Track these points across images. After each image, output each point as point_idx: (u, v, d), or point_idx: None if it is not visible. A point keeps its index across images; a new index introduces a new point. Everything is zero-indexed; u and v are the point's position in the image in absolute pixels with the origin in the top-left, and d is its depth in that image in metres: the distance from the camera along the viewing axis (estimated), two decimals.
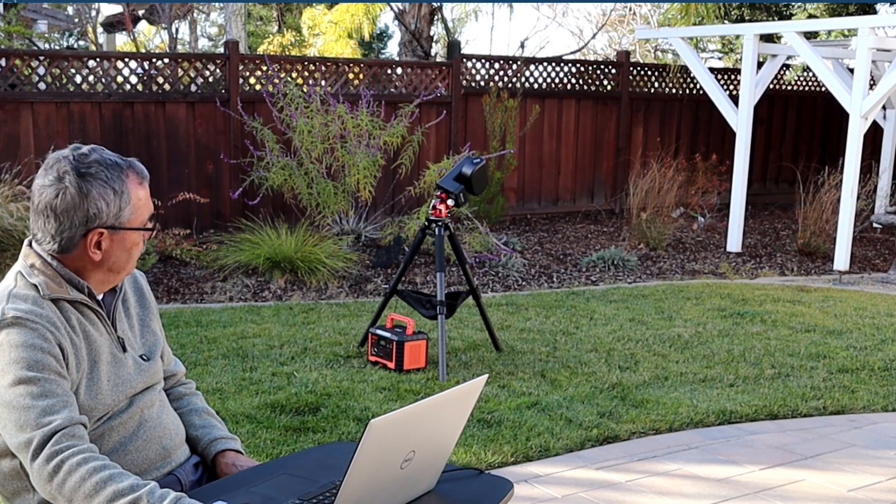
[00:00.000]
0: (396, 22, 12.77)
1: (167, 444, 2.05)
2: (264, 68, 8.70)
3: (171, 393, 2.23)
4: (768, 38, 11.17)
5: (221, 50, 10.55)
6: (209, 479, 2.13)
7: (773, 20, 13.51)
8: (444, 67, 9.77)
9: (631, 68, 11.12)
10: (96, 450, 1.81)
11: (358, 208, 8.44)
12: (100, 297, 1.99)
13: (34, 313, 1.83)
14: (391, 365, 5.01)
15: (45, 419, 1.77)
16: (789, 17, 13.91)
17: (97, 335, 1.95)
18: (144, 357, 2.05)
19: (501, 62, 10.19)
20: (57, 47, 15.76)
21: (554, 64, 10.68)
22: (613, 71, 11.05)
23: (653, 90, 11.37)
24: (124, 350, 2.01)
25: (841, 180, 8.68)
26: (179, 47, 16.61)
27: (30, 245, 1.95)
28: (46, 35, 13.96)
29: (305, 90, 8.44)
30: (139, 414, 2.00)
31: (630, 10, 19.73)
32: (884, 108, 10.67)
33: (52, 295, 1.88)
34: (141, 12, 15.00)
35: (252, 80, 8.74)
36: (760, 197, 12.17)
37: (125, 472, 1.77)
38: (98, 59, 8.02)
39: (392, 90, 9.49)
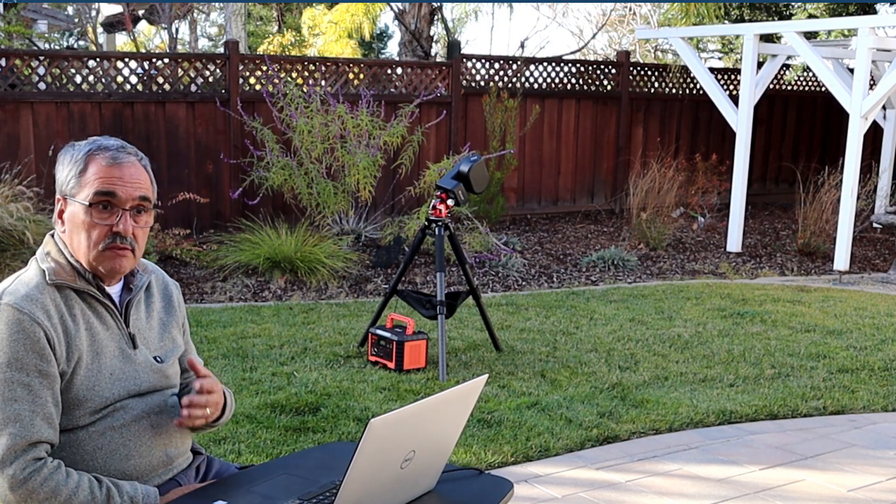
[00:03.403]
0: (396, 22, 12.77)
1: (171, 452, 2.04)
2: (264, 68, 8.70)
3: (184, 385, 2.23)
4: (768, 38, 11.17)
5: (221, 50, 10.55)
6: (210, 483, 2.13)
7: (773, 20, 13.51)
8: (444, 67, 9.77)
9: (631, 68, 11.12)
10: (53, 467, 1.84)
11: (358, 208, 8.44)
12: (114, 291, 2.01)
13: (29, 298, 1.86)
14: (391, 365, 5.01)
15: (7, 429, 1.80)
16: (789, 17, 13.91)
17: (102, 328, 1.96)
18: (159, 359, 2.05)
19: (501, 62, 10.19)
20: (57, 47, 15.76)
21: (554, 64, 10.68)
22: (613, 71, 11.05)
23: (653, 90, 11.37)
24: (135, 346, 2.01)
25: (841, 180, 8.68)
26: (179, 47, 16.61)
27: (52, 235, 2.01)
28: (46, 35, 13.96)
29: (305, 90, 8.44)
30: (146, 418, 2.00)
31: (630, 10, 19.73)
32: (884, 108, 10.67)
33: (57, 281, 1.91)
34: (141, 12, 15.00)
35: (252, 80, 8.74)
36: (760, 197, 12.17)
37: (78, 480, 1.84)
38: (98, 59, 8.02)
39: (392, 90, 9.49)
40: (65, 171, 1.96)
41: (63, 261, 1.95)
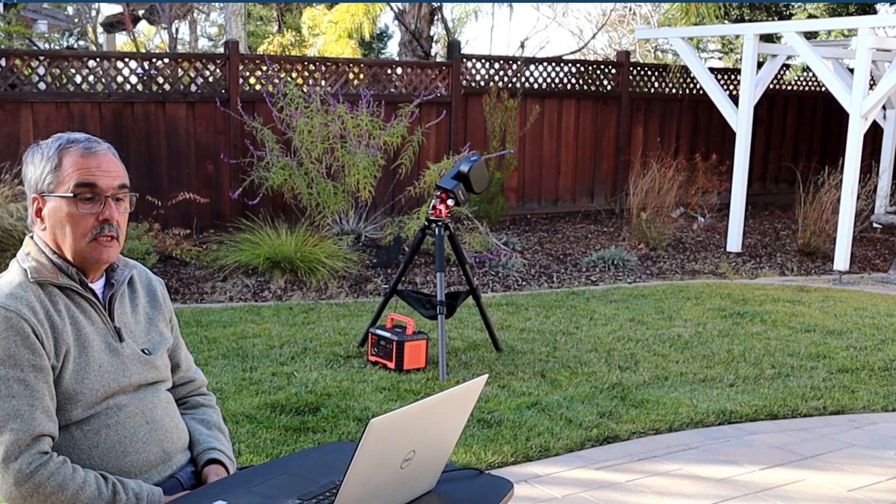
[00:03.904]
0: (396, 22, 12.77)
1: (168, 448, 2.04)
2: (264, 68, 8.70)
3: (188, 401, 2.24)
4: (768, 38, 11.17)
5: (221, 50, 10.55)
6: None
7: (773, 20, 13.51)
8: (444, 67, 9.77)
9: (631, 68, 11.12)
10: (59, 462, 1.85)
11: (358, 208, 8.44)
12: (96, 286, 2.02)
13: (13, 297, 1.88)
14: (391, 365, 5.01)
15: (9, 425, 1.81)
16: (789, 17, 13.91)
17: (87, 323, 1.97)
18: (146, 351, 2.06)
19: (501, 62, 10.19)
20: (57, 47, 15.76)
21: (554, 64, 10.68)
22: (613, 71, 11.05)
23: (653, 90, 11.37)
24: (121, 339, 2.02)
25: (841, 180, 8.68)
26: (179, 47, 16.61)
27: (30, 237, 2.02)
28: (46, 35, 13.95)
29: (305, 90, 8.44)
30: (140, 415, 2.01)
31: (630, 10, 19.73)
32: (884, 108, 10.66)
33: (39, 278, 1.93)
34: (141, 12, 15.01)
35: (252, 80, 8.74)
36: (760, 197, 12.17)
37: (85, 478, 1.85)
38: (98, 59, 8.02)
39: (392, 90, 9.49)
40: (38, 170, 1.96)
41: (44, 259, 1.96)
